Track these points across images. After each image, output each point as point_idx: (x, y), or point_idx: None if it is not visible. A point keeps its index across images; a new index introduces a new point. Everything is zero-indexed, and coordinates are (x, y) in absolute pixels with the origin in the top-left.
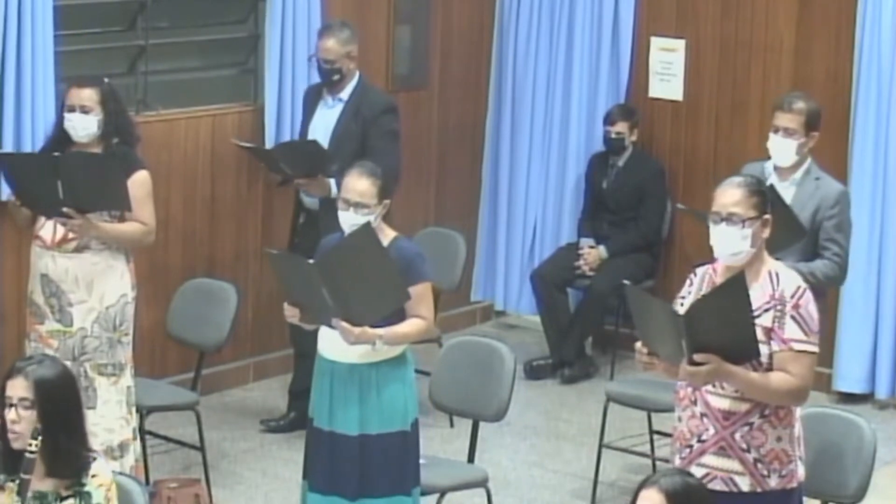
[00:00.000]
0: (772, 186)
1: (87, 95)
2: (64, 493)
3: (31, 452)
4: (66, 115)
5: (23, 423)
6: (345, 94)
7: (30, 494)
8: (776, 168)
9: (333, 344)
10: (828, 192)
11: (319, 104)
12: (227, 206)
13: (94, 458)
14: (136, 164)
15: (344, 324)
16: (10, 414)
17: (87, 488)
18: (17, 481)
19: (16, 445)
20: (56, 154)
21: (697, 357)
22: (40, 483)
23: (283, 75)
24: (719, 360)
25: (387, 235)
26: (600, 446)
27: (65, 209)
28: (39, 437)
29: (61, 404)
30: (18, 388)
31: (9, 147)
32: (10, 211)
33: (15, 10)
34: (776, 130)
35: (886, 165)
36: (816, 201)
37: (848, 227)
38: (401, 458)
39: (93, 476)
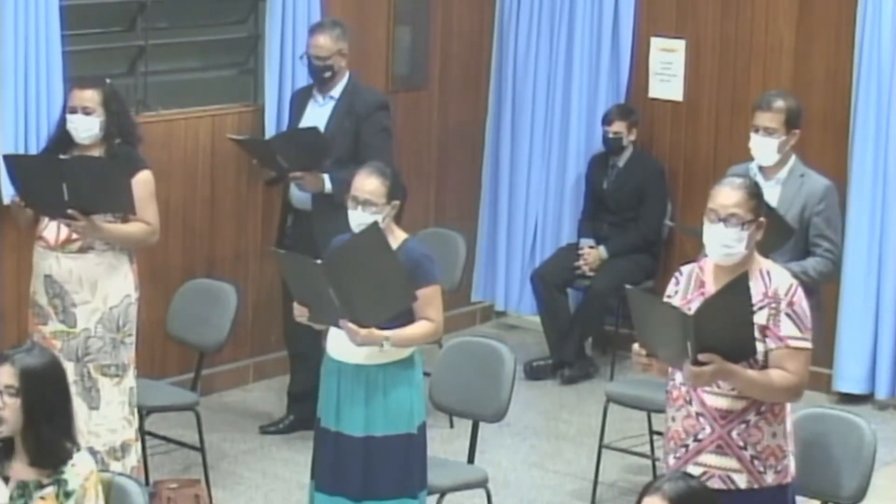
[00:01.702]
0: None
1: (89, 96)
2: (45, 482)
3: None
4: (68, 117)
5: (7, 410)
6: (336, 91)
7: (14, 485)
8: (760, 168)
9: (341, 344)
10: (813, 188)
11: (309, 103)
12: (227, 206)
13: (78, 450)
14: (138, 164)
15: (350, 325)
16: None
17: (64, 476)
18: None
19: (2, 434)
20: (62, 157)
21: (702, 357)
22: (25, 472)
23: (283, 75)
24: (721, 360)
25: (397, 237)
26: (600, 447)
27: (69, 210)
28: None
29: (46, 393)
30: (5, 375)
31: (13, 147)
32: (14, 212)
33: (22, 11)
34: (756, 130)
35: (886, 165)
36: (803, 198)
37: (837, 221)
38: (406, 460)
39: (72, 465)
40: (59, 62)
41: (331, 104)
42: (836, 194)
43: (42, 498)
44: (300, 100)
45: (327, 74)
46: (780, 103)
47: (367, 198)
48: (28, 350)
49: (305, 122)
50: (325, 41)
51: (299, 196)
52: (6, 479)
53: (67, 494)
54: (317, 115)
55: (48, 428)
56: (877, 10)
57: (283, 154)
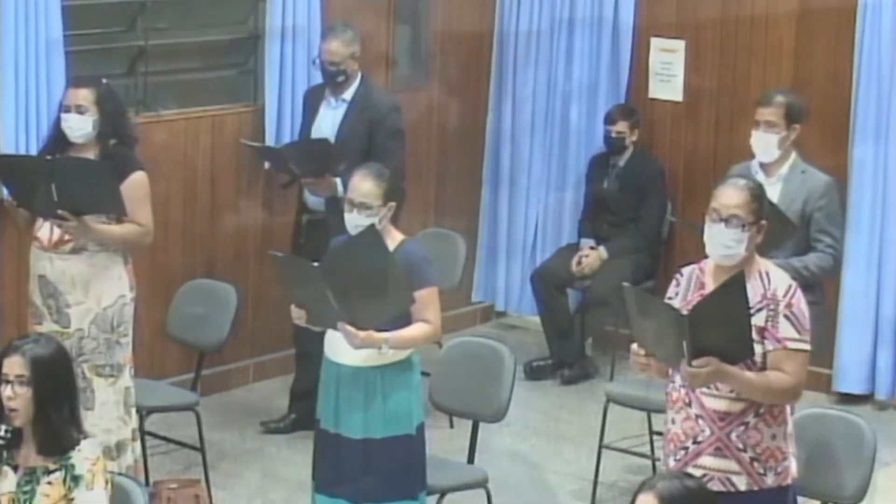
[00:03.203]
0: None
1: (83, 95)
2: (51, 467)
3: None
4: (63, 116)
5: (19, 400)
6: (348, 94)
7: (22, 472)
8: (762, 165)
9: (339, 347)
10: (815, 184)
11: (322, 105)
12: (227, 206)
13: (85, 437)
14: (133, 165)
15: (348, 327)
16: (7, 391)
17: (72, 461)
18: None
19: (15, 423)
20: (49, 157)
21: (696, 362)
22: (32, 459)
23: (283, 76)
24: (718, 362)
25: (394, 239)
26: (600, 447)
27: (59, 211)
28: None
29: (55, 382)
30: (15, 365)
31: (14, 148)
32: (9, 211)
33: (23, 11)
34: (757, 125)
35: (886, 165)
36: (804, 194)
37: (838, 217)
38: (406, 461)
39: (79, 451)
40: (61, 62)
41: (343, 107)
42: (836, 190)
43: (49, 483)
44: (313, 99)
45: (340, 79)
46: (780, 98)
47: (362, 200)
48: (35, 340)
49: (318, 125)
50: (337, 46)
51: (314, 198)
52: (15, 468)
53: (76, 479)
54: (329, 117)
55: (57, 415)
56: (877, 11)
57: (294, 161)
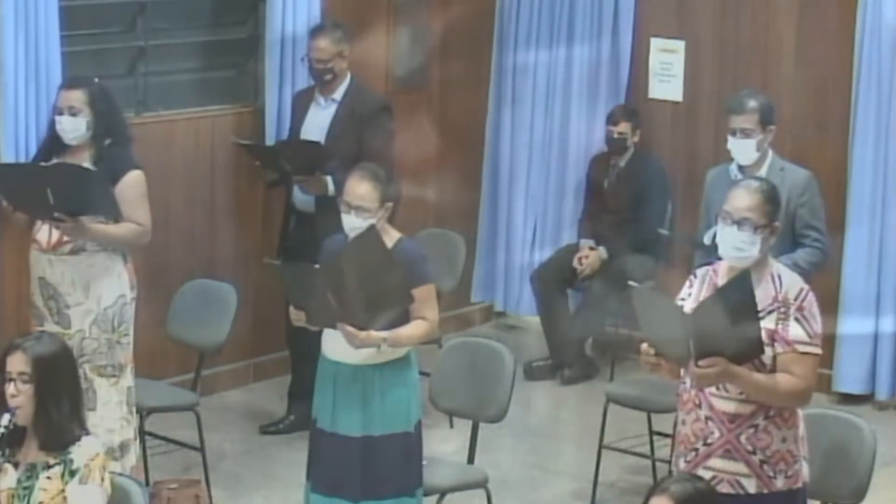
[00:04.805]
0: None
1: (76, 97)
2: (52, 462)
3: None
4: (56, 118)
5: (21, 397)
6: (337, 94)
7: (23, 468)
8: (741, 168)
9: (337, 346)
10: (795, 180)
11: (312, 106)
12: (227, 206)
13: (87, 433)
14: (128, 165)
15: (349, 328)
16: (10, 388)
17: (71, 455)
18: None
19: (19, 422)
20: (42, 164)
21: (703, 362)
22: (34, 455)
23: (282, 77)
24: (725, 362)
25: (391, 238)
26: (600, 447)
27: (56, 214)
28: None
29: (57, 379)
30: (17, 363)
31: (13, 148)
32: (6, 214)
33: (22, 11)
34: (733, 133)
35: (886, 165)
36: (786, 191)
37: (820, 210)
38: (404, 459)
39: (79, 446)
40: (58, 63)
41: (333, 107)
42: (816, 184)
43: (48, 478)
44: (302, 101)
45: (328, 77)
46: (752, 104)
47: (359, 203)
48: (37, 338)
49: (308, 125)
50: (325, 44)
51: (302, 198)
52: (16, 465)
53: (72, 472)
54: (319, 117)
55: (57, 413)
56: (877, 11)
57: (286, 158)
